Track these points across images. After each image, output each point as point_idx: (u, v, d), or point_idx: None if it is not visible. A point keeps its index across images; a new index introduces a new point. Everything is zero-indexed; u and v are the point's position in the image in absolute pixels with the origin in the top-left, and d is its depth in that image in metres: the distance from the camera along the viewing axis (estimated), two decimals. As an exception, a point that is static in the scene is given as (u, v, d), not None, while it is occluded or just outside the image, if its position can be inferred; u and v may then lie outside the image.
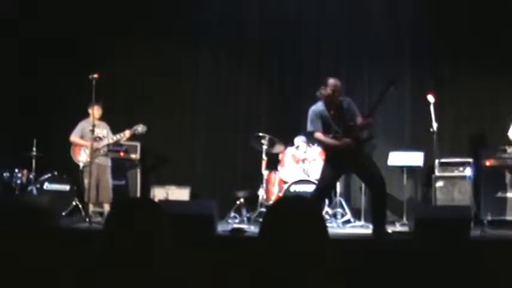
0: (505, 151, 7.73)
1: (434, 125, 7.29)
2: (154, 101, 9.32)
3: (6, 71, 8.87)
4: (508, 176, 7.77)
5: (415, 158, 8.23)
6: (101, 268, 1.96)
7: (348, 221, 7.89)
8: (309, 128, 6.51)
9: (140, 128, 8.00)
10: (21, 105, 9.01)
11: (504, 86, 8.53)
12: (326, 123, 6.46)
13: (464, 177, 8.00)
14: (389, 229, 7.07)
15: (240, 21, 9.50)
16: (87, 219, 7.20)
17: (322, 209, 7.43)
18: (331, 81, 6.48)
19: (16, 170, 8.17)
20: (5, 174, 8.15)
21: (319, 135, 6.45)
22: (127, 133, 8.01)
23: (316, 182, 7.79)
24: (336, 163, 6.46)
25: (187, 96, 9.53)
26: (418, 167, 8.31)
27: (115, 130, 8.13)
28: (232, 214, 8.06)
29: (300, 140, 8.39)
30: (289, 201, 2.20)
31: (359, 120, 6.42)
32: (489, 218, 7.51)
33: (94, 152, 7.73)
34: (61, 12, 9.12)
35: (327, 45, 9.42)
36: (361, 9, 9.31)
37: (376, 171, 6.44)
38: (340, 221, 7.83)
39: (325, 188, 6.67)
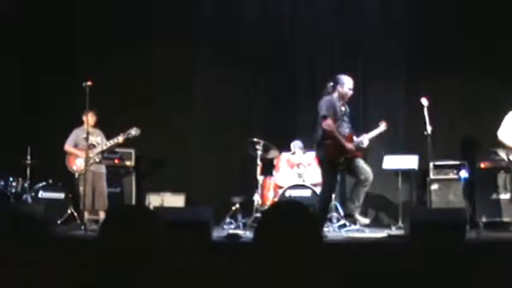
0: (496, 153, 7.74)
1: (429, 128, 7.31)
2: (150, 105, 9.30)
3: (1, 77, 8.87)
4: (501, 177, 7.79)
5: (409, 162, 8.24)
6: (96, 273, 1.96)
7: (344, 225, 7.88)
8: (324, 112, 6.57)
9: (134, 131, 7.98)
10: (16, 114, 8.99)
11: (498, 88, 8.56)
12: (336, 118, 6.63)
13: (459, 180, 8.03)
14: (385, 232, 7.09)
15: (239, 21, 9.50)
16: (82, 227, 7.18)
17: (328, 213, 7.36)
18: (349, 79, 6.76)
19: (11, 179, 8.15)
20: (-1, 183, 8.14)
21: (330, 122, 6.53)
22: (120, 138, 7.99)
23: (310, 186, 7.81)
24: (334, 157, 6.59)
25: (184, 101, 9.49)
26: (413, 170, 8.33)
27: (111, 132, 8.12)
28: (228, 220, 8.06)
29: (296, 147, 8.38)
30: (284, 206, 2.21)
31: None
32: (484, 220, 7.53)
33: (89, 160, 7.70)
34: (60, 12, 9.13)
35: (323, 45, 9.45)
36: (358, 10, 9.34)
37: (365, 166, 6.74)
38: (335, 225, 7.83)
39: (329, 187, 6.74)
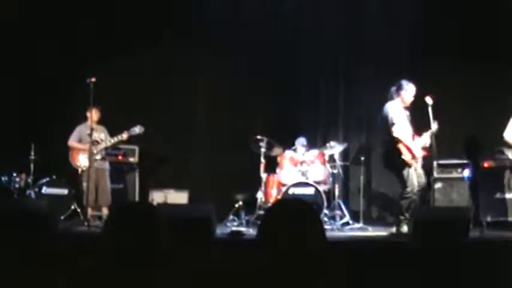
0: (502, 152, 7.74)
1: (433, 127, 7.29)
2: (152, 103, 9.30)
3: (5, 73, 8.88)
4: (506, 177, 7.77)
5: (413, 160, 8.21)
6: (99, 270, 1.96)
7: (347, 223, 7.88)
8: (395, 120, 6.81)
9: (138, 129, 7.99)
10: (20, 109, 9.00)
11: (502, 87, 8.53)
12: (403, 123, 6.90)
13: (462, 179, 8.01)
14: (388, 231, 7.09)
15: (239, 21, 9.46)
16: (85, 223, 7.20)
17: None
18: (412, 86, 7.02)
19: (14, 174, 8.15)
20: (3, 178, 8.13)
21: (400, 129, 6.82)
22: (125, 135, 8.00)
23: (314, 184, 7.80)
24: (409, 158, 6.86)
25: (185, 99, 9.49)
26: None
27: (113, 131, 8.12)
28: (231, 217, 8.06)
29: (298, 143, 8.38)
30: (288, 203, 2.20)
31: None
32: (489, 219, 7.51)
33: (92, 156, 7.70)
34: (60, 11, 9.13)
35: (324, 45, 9.42)
36: (360, 10, 9.35)
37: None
38: (339, 223, 7.83)
39: (412, 187, 6.95)
